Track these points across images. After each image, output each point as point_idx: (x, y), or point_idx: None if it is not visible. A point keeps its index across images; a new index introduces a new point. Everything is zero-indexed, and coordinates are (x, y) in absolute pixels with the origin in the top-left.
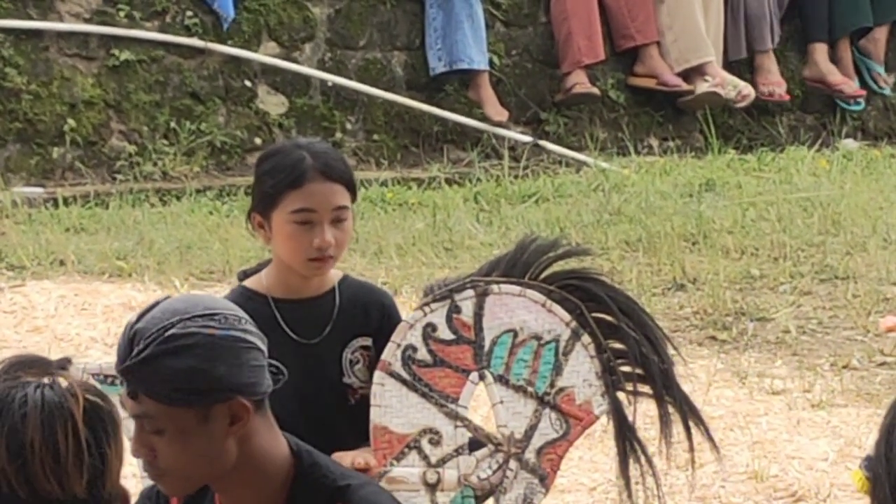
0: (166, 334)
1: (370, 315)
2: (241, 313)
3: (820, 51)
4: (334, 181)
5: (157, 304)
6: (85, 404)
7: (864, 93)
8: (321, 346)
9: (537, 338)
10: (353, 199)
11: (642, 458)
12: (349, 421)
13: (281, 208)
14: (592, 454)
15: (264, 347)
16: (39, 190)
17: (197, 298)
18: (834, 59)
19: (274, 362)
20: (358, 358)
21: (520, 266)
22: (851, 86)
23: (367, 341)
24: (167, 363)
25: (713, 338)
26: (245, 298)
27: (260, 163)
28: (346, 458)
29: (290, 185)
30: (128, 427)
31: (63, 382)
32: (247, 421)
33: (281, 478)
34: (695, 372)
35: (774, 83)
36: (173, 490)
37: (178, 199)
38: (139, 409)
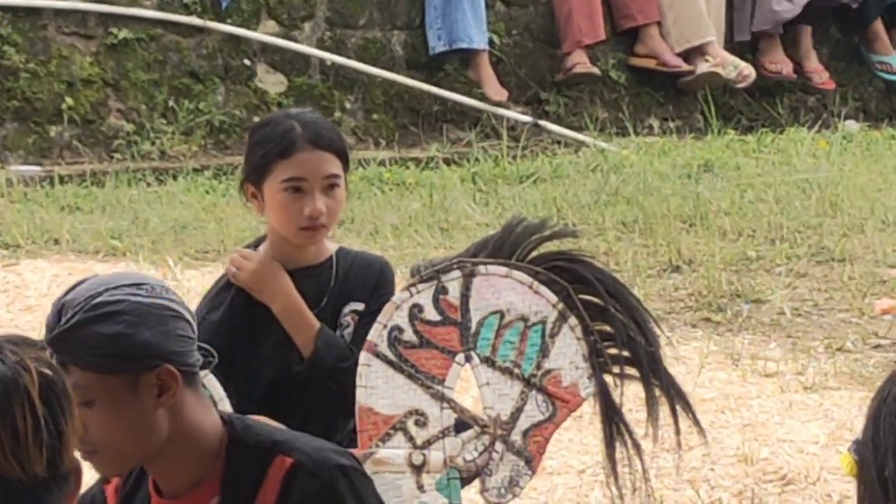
0: (93, 302)
1: (365, 280)
2: (169, 287)
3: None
4: (324, 150)
5: (85, 279)
6: (39, 379)
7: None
8: (319, 316)
9: (524, 319)
10: (346, 168)
11: (629, 441)
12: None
13: (272, 178)
14: (582, 436)
15: (192, 321)
16: (36, 168)
17: (125, 273)
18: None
19: (205, 345)
20: (348, 321)
21: (507, 247)
22: (822, 75)
23: (360, 306)
24: (95, 329)
25: (707, 319)
26: None
27: (251, 133)
28: None
29: (280, 155)
30: None
31: (11, 355)
32: (175, 390)
33: (215, 448)
34: (688, 354)
35: (781, 62)
36: (105, 468)
37: (176, 178)
38: (69, 380)
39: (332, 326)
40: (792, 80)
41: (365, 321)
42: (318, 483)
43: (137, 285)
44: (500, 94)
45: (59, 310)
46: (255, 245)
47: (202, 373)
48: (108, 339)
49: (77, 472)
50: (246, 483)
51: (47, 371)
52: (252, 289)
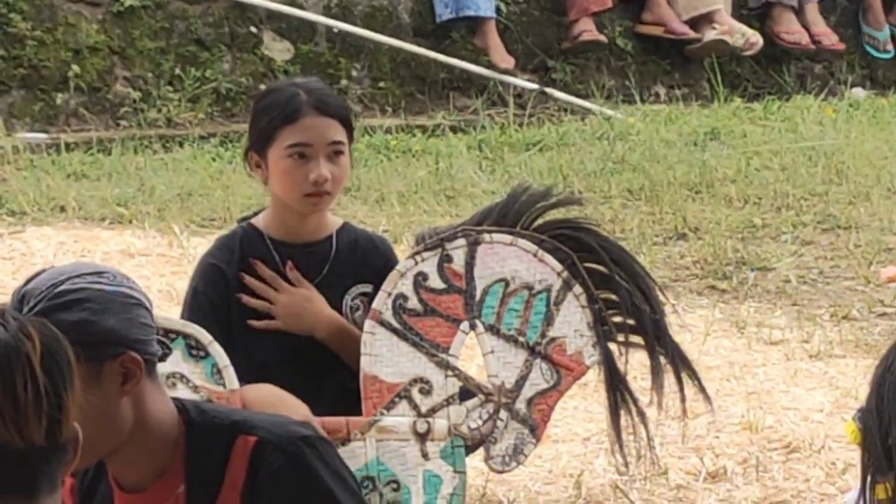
0: (56, 290)
1: (370, 261)
2: (127, 275)
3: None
4: (329, 116)
5: (43, 270)
6: (41, 347)
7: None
8: (317, 289)
9: (529, 287)
10: (350, 137)
11: (633, 409)
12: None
13: (277, 144)
14: (587, 404)
15: (152, 311)
16: (43, 136)
17: (84, 262)
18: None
19: (161, 338)
20: (358, 304)
21: (511, 215)
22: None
23: (368, 288)
24: (58, 317)
25: (713, 287)
26: (244, 233)
27: (256, 102)
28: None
29: (286, 121)
30: None
31: (13, 322)
32: (139, 378)
33: (174, 436)
34: (693, 322)
35: (797, 31)
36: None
37: (182, 145)
38: None
39: (334, 304)
40: (810, 49)
41: None
42: (285, 457)
43: (99, 273)
44: (507, 61)
45: (21, 299)
46: (255, 215)
47: (207, 342)
48: (72, 327)
49: (76, 441)
50: (210, 467)
51: (50, 339)
52: (290, 326)
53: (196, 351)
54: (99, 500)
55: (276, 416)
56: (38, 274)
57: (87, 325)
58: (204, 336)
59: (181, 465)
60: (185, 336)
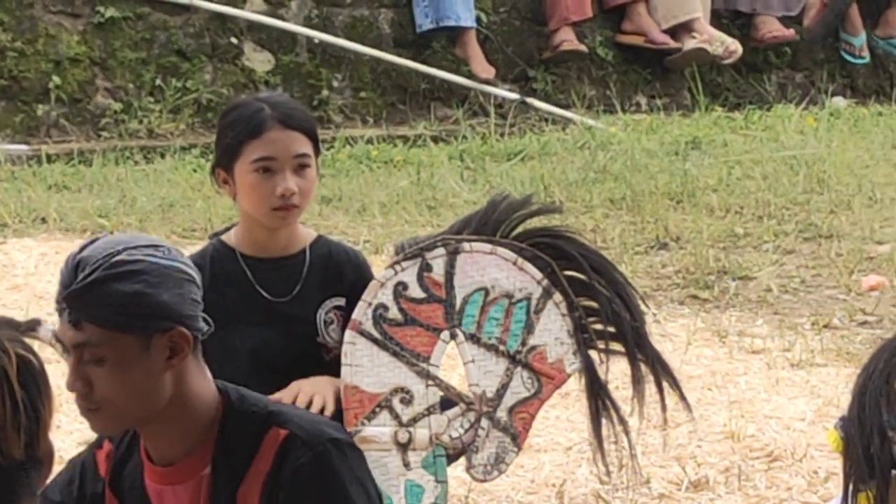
0: (113, 260)
1: (343, 275)
2: (179, 250)
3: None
4: (293, 129)
5: (98, 237)
6: (17, 361)
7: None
8: (291, 305)
9: (509, 296)
10: (317, 150)
11: (615, 418)
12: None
13: (242, 159)
14: (569, 413)
15: (200, 286)
16: (24, 147)
17: (140, 235)
18: None
19: (203, 315)
20: (332, 318)
21: (491, 224)
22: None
23: (341, 301)
24: (113, 287)
25: (694, 296)
26: (214, 250)
27: (221, 118)
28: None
29: (250, 135)
30: None
31: None
32: (186, 354)
33: (210, 417)
34: (675, 331)
35: (778, 29)
36: (104, 426)
37: (163, 156)
38: (81, 337)
39: (305, 318)
40: (792, 40)
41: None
42: (311, 455)
43: (155, 247)
44: (488, 71)
45: (76, 266)
46: (226, 231)
47: None
48: (126, 298)
49: (49, 455)
50: (239, 454)
51: (24, 353)
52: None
53: None
54: (131, 467)
55: (313, 415)
56: (92, 241)
57: (141, 298)
58: None
59: (211, 447)
60: None
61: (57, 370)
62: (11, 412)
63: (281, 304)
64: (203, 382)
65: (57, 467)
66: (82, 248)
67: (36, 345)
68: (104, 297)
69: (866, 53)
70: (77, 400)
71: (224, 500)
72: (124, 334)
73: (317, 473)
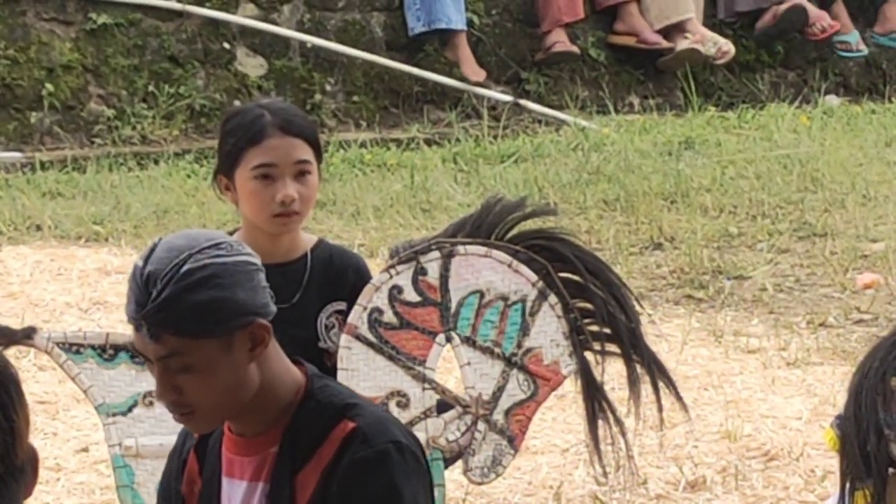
0: (182, 271)
1: (344, 279)
2: (237, 239)
3: None
4: (294, 136)
5: (155, 246)
6: None
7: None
8: (293, 311)
9: (504, 298)
10: (318, 156)
11: (612, 419)
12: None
13: (243, 166)
14: (566, 415)
15: (263, 269)
16: (18, 155)
17: (194, 233)
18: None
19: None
20: (333, 322)
21: (485, 227)
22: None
23: (342, 306)
24: (189, 298)
25: (690, 296)
26: None
27: (222, 125)
28: None
29: (250, 142)
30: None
31: None
32: (268, 342)
33: (289, 399)
34: (670, 331)
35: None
36: (203, 426)
37: (157, 162)
38: (164, 349)
39: (306, 323)
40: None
41: None
42: (370, 452)
43: (216, 245)
44: (479, 74)
45: (146, 282)
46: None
47: None
48: (204, 306)
49: (34, 462)
50: (307, 439)
51: None
52: None
53: None
54: (217, 433)
55: (389, 415)
56: (152, 250)
57: (219, 302)
58: None
59: (283, 428)
60: None
61: (52, 377)
62: None
63: (283, 310)
64: (282, 364)
65: (52, 474)
66: (146, 262)
67: (32, 352)
68: (182, 310)
69: (864, 47)
70: (168, 407)
71: (284, 481)
72: (207, 339)
73: (371, 470)
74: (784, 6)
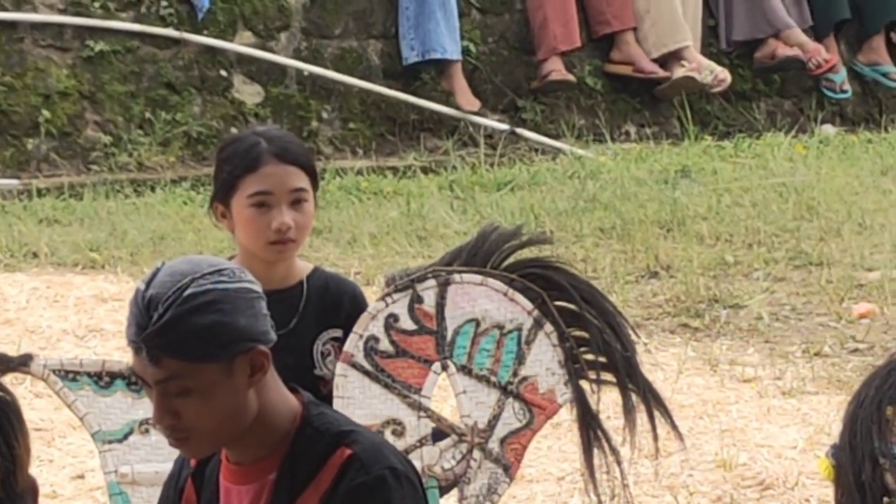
0: (184, 295)
1: (340, 307)
2: (239, 266)
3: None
4: (290, 163)
5: (158, 270)
6: None
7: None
8: (288, 338)
9: (500, 327)
10: (314, 184)
11: (607, 448)
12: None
13: (239, 194)
14: (561, 444)
15: (265, 298)
16: (14, 182)
17: (197, 259)
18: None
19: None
20: (329, 350)
21: (481, 255)
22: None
23: (338, 333)
24: (190, 322)
25: (685, 325)
26: None
27: (219, 152)
28: None
29: (246, 170)
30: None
31: None
32: (267, 368)
33: (286, 426)
34: (666, 360)
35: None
36: (198, 451)
37: (153, 189)
38: (163, 373)
39: (302, 351)
40: (800, 59)
41: None
42: (367, 478)
43: (218, 271)
44: (473, 104)
45: (147, 306)
46: None
47: None
48: (205, 330)
49: (34, 490)
50: (305, 467)
51: None
52: None
53: None
54: (214, 462)
55: (384, 441)
56: (154, 275)
57: (220, 327)
58: None
59: (281, 456)
60: None
61: (49, 404)
62: None
63: (279, 337)
64: (279, 392)
65: (48, 501)
66: (148, 286)
67: (28, 379)
68: (183, 334)
69: (847, 88)
70: (165, 432)
71: None
72: (207, 364)
73: (368, 496)
74: (783, 53)
